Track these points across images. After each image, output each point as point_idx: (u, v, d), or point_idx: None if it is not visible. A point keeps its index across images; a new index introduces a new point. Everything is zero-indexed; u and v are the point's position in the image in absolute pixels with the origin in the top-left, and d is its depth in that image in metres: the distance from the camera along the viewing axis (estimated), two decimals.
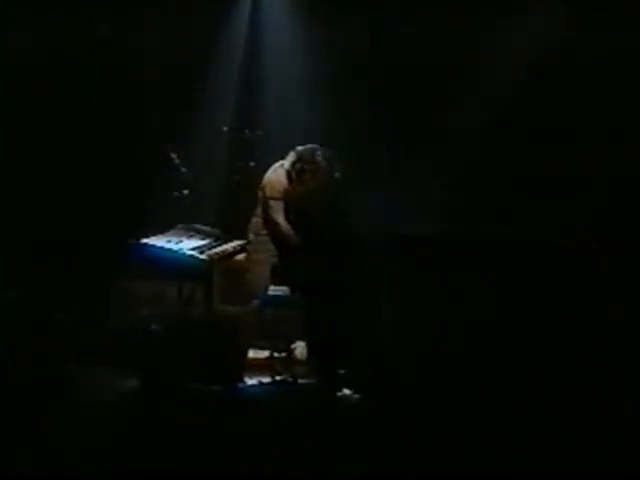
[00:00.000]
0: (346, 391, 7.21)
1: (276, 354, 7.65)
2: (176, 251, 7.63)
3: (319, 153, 7.58)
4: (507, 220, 8.17)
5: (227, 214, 8.79)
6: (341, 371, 7.31)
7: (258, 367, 7.56)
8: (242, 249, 7.93)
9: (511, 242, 7.29)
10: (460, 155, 8.80)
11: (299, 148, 7.64)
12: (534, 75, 8.82)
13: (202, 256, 7.64)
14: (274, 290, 7.62)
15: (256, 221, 7.71)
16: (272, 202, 7.59)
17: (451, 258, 7.15)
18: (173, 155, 8.28)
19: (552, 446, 5.86)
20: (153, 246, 7.68)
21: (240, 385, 7.32)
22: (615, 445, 5.83)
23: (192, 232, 7.98)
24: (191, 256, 7.60)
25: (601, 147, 8.65)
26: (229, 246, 7.96)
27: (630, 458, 5.69)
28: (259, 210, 7.70)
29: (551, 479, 5.62)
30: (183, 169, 8.30)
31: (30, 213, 8.57)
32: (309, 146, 7.65)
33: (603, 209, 8.29)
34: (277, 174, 7.69)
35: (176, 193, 8.30)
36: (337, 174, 7.57)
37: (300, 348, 7.72)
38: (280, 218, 7.55)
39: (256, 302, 7.57)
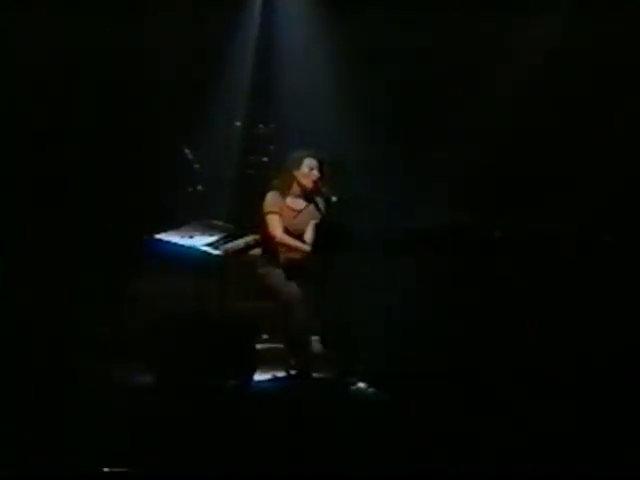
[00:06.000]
0: (360, 384, 7.23)
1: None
2: (190, 246, 7.65)
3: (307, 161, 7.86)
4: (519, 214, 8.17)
5: (241, 209, 8.80)
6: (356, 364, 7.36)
7: (272, 361, 7.60)
8: (256, 244, 7.95)
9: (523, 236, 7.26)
10: (473, 152, 8.86)
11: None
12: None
13: (216, 251, 7.66)
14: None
15: None
16: (268, 217, 7.77)
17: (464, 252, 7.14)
18: (187, 151, 8.30)
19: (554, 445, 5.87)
20: (167, 242, 7.70)
21: (254, 380, 7.35)
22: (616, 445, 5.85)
23: (206, 227, 7.99)
24: (205, 251, 7.62)
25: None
26: (243, 241, 7.97)
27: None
28: None
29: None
30: (196, 165, 8.32)
31: (45, 210, 8.61)
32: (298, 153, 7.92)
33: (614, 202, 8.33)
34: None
35: (190, 189, 8.33)
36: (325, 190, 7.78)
37: (314, 342, 7.74)
38: (277, 231, 7.73)
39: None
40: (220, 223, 8.15)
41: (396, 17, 8.97)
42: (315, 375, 7.48)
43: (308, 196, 7.93)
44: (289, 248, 7.79)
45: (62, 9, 8.78)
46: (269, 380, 7.43)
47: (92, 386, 6.65)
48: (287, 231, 7.82)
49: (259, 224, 7.86)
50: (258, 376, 7.40)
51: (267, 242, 7.80)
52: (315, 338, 7.73)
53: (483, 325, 6.92)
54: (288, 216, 7.87)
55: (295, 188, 7.92)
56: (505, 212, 8.03)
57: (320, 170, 7.87)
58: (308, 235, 7.72)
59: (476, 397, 6.51)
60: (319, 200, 7.88)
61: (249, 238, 8.00)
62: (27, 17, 8.73)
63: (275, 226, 7.79)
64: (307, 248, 7.68)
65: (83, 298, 7.89)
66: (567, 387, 6.56)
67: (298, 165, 7.88)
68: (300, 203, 7.95)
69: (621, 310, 6.93)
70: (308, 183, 7.87)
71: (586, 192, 8.54)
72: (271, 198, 7.87)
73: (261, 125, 9.01)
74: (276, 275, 7.70)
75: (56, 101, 8.84)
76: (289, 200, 7.93)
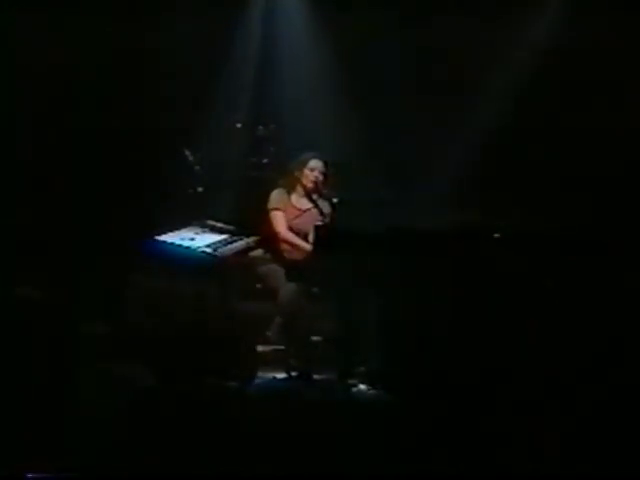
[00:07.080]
0: (361, 385, 7.23)
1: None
2: (190, 248, 7.65)
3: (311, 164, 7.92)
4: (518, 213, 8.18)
5: (242, 211, 8.80)
6: (357, 366, 7.35)
7: (273, 362, 7.59)
8: (256, 245, 7.95)
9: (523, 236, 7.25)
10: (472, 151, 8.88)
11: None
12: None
13: (216, 253, 7.66)
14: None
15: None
16: (273, 213, 7.89)
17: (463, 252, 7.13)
18: (187, 152, 8.30)
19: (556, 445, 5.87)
20: (167, 243, 7.70)
21: (255, 381, 7.34)
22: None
23: (206, 229, 7.98)
24: (205, 253, 7.61)
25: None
26: (243, 242, 7.97)
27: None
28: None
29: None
30: (197, 166, 8.32)
31: (46, 210, 8.62)
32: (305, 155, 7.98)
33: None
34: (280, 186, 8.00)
35: (190, 190, 8.33)
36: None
37: (315, 342, 7.74)
38: (281, 227, 7.84)
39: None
40: (220, 225, 8.13)
41: (396, 17, 8.98)
42: (316, 376, 7.48)
43: (311, 197, 7.95)
44: (291, 246, 7.82)
45: (62, 9, 8.80)
46: (270, 381, 7.42)
47: (92, 386, 6.64)
48: (289, 229, 7.86)
49: (262, 221, 7.90)
50: (259, 377, 7.40)
51: (269, 240, 7.83)
52: (316, 338, 7.75)
53: (484, 325, 6.91)
54: (291, 214, 7.91)
55: (299, 188, 7.96)
56: (505, 212, 8.05)
57: (324, 172, 7.90)
58: (311, 238, 7.74)
59: (476, 397, 6.51)
60: (323, 202, 7.89)
61: (249, 239, 8.00)
62: (27, 17, 8.75)
63: (279, 223, 7.86)
64: (309, 247, 7.69)
65: (83, 298, 7.88)
66: (567, 387, 6.55)
67: (302, 166, 7.92)
68: (305, 203, 7.99)
69: (622, 310, 6.93)
70: (308, 183, 7.91)
71: (586, 192, 8.56)
72: (276, 195, 7.94)
73: (261, 126, 9.01)
74: (277, 275, 7.71)
75: (56, 101, 8.86)
76: (294, 199, 7.98)
